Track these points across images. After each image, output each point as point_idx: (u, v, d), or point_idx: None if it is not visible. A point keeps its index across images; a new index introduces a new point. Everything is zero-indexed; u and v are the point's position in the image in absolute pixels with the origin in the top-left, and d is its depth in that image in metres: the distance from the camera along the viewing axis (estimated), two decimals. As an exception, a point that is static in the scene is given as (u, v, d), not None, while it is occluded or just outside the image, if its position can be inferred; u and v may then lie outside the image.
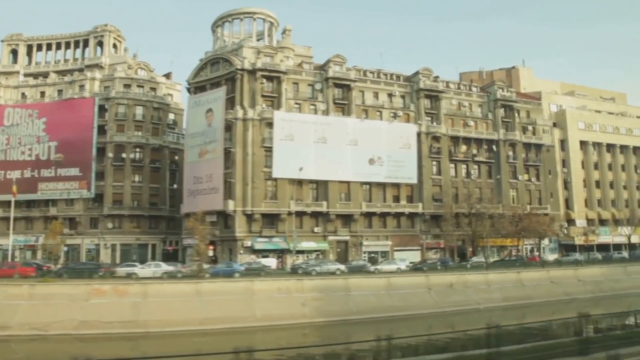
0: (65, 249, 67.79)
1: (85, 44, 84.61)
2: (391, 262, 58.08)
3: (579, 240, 77.53)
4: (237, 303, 41.25)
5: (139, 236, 74.48)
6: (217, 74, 66.59)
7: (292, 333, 39.32)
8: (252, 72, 64.01)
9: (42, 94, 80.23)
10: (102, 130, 75.31)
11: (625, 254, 76.33)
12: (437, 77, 78.18)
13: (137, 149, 76.36)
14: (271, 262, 57.55)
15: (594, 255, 73.42)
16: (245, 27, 69.80)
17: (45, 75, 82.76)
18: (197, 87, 68.67)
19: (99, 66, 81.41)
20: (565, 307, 49.58)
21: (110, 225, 73.33)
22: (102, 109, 75.92)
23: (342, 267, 54.50)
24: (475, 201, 70.33)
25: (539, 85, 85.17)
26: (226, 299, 41.33)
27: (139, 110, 77.35)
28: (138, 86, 78.58)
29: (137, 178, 75.65)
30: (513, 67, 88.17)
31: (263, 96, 64.38)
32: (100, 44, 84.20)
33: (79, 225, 73.27)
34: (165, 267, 48.55)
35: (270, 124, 63.07)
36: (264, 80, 64.67)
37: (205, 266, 48.72)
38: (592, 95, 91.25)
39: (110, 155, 74.41)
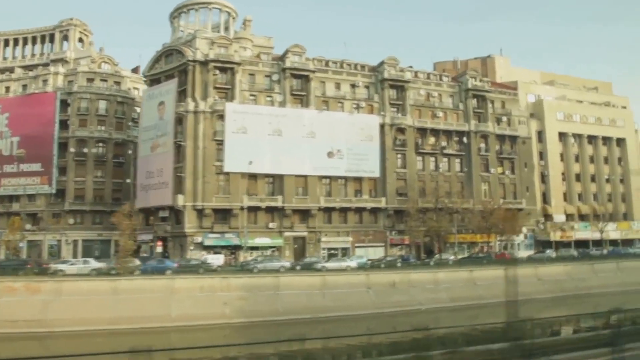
0: (21, 244, 66.85)
1: (52, 38, 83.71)
2: (340, 259, 55.93)
3: (555, 236, 74.21)
4: (154, 302, 39.55)
5: (101, 232, 73.26)
6: (171, 65, 64.93)
7: (209, 334, 37.44)
8: (205, 63, 62.14)
9: (7, 89, 79.34)
10: (64, 125, 74.30)
11: (604, 250, 73.02)
12: (411, 66, 75.80)
13: (100, 144, 75.23)
14: (218, 258, 55.81)
15: (568, 252, 70.21)
16: (203, 17, 67.93)
17: (12, 70, 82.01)
18: (152, 80, 67.19)
19: (64, 61, 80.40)
20: (518, 308, 46.95)
21: (71, 220, 72.33)
22: (65, 104, 74.92)
23: (287, 263, 52.67)
24: (444, 195, 67.75)
25: (517, 74, 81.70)
26: (143, 298, 39.68)
27: (102, 105, 76.13)
28: (101, 80, 77.34)
29: (99, 173, 74.53)
30: (489, 56, 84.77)
31: (216, 88, 62.47)
32: (66, 38, 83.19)
33: (41, 221, 72.33)
34: (95, 263, 47.14)
35: (222, 117, 61.18)
36: (217, 72, 62.74)
37: (137, 263, 47.25)
38: (574, 85, 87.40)
39: (72, 150, 73.38)
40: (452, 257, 63.67)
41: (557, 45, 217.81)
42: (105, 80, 77.45)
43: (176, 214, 60.92)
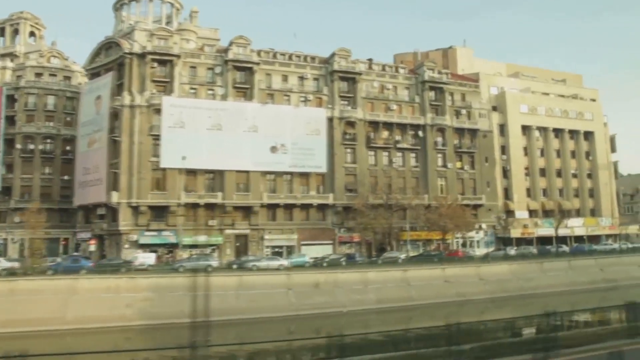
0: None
1: (2, 32, 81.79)
2: (273, 258, 53.73)
3: (515, 233, 71.67)
4: (51, 303, 37.69)
5: (48, 230, 71.39)
6: (110, 58, 62.90)
7: (104, 337, 35.50)
8: (142, 56, 60.06)
9: (-44, 84, 77.67)
10: (11, 121, 72.41)
11: (565, 247, 70.50)
12: (370, 59, 73.51)
13: (48, 140, 73.24)
14: (150, 257, 53.78)
15: (528, 250, 67.73)
16: (144, 9, 65.92)
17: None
18: (93, 74, 65.25)
19: (13, 55, 78.42)
20: (450, 310, 44.76)
21: (17, 219, 70.49)
22: (12, 99, 73.04)
23: (214, 263, 50.63)
24: (397, 191, 65.47)
25: (480, 66, 78.97)
26: (40, 299, 37.86)
27: (51, 100, 74.10)
28: (51, 75, 75.30)
29: (47, 170, 72.51)
30: (450, 48, 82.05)
31: (154, 81, 60.41)
32: (17, 32, 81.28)
33: (-15, 220, 70.69)
34: (6, 263, 45.33)
35: (159, 111, 59.11)
36: (156, 65, 60.66)
37: (51, 262, 45.42)
38: (542, 77, 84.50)
39: (19, 146, 71.42)
40: (402, 256, 61.64)
41: (531, 39, 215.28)
42: (55, 75, 75.46)
43: (113, 211, 59.00)
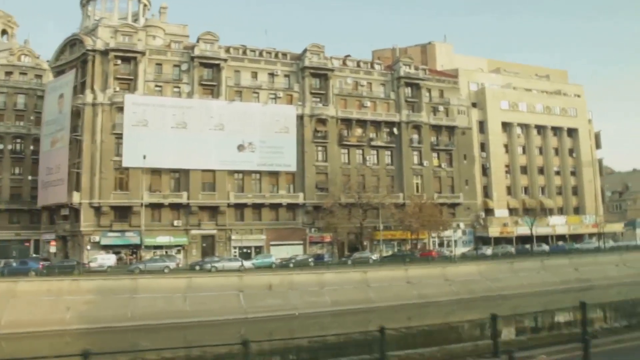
0: None
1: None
2: (234, 259, 52.31)
3: (494, 232, 69.87)
4: (-13, 307, 36.42)
5: (19, 231, 70.36)
6: (74, 56, 61.64)
7: (40, 342, 34.17)
8: (105, 53, 58.76)
9: None
10: (-19, 120, 71.40)
11: (545, 247, 68.66)
12: (349, 55, 72.12)
13: (18, 140, 72.05)
14: (110, 258, 52.49)
15: (506, 249, 66.03)
16: (110, 5, 64.57)
17: None
18: (58, 71, 63.98)
19: (-16, 54, 77.38)
20: (409, 312, 43.16)
21: (-15, 221, 69.46)
22: (-19, 99, 71.99)
23: (171, 264, 49.30)
24: (371, 190, 63.94)
25: (460, 62, 77.10)
26: (-24, 303, 36.59)
27: (21, 99, 72.80)
28: (21, 74, 74.04)
29: (17, 170, 71.36)
30: (429, 43, 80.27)
31: (117, 79, 59.10)
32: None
33: (-45, 221, 69.62)
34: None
35: (122, 109, 57.79)
36: (119, 62, 59.31)
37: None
38: (525, 73, 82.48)
39: (-12, 146, 70.45)
40: (374, 256, 60.17)
41: (516, 36, 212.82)
42: (25, 74, 74.12)
43: (76, 212, 57.73)
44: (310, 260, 56.11)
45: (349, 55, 72.61)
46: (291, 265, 53.97)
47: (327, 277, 46.07)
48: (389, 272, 48.51)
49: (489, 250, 64.94)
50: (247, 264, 50.58)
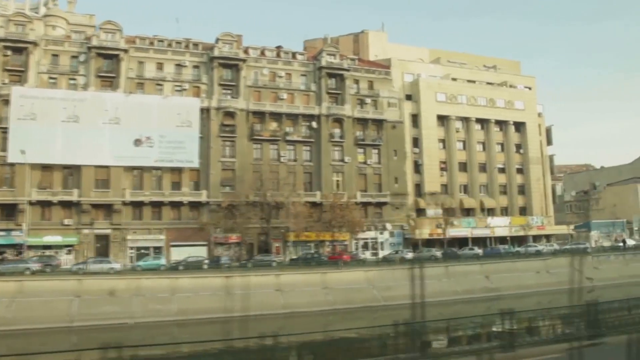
0: None
1: None
2: (104, 260, 49.09)
3: (422, 234, 65.10)
4: None
5: None
6: (-32, 47, 59.27)
7: None
8: (-6, 43, 56.25)
9: None
10: None
11: (478, 250, 63.55)
12: (280, 46, 68.34)
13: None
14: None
15: (430, 253, 61.25)
16: (12, -7, 62.09)
17: None
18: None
19: None
20: (271, 324, 39.16)
21: None
22: None
23: (35, 265, 46.35)
24: (287, 187, 60.09)
25: (397, 52, 72.09)
26: None
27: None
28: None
29: None
30: (362, 32, 75.49)
31: (7, 70, 56.51)
32: None
33: None
34: None
35: (9, 102, 55.17)
36: (10, 52, 56.71)
37: None
38: (473, 63, 76.92)
39: None
40: (278, 259, 56.47)
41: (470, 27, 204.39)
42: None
43: (-37, 210, 55.47)
44: (205, 263, 52.87)
45: (280, 46, 68.90)
46: (180, 267, 50.94)
47: (182, 282, 42.42)
48: (259, 278, 44.47)
49: (409, 254, 60.35)
50: (117, 266, 47.49)
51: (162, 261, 53.42)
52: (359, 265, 50.99)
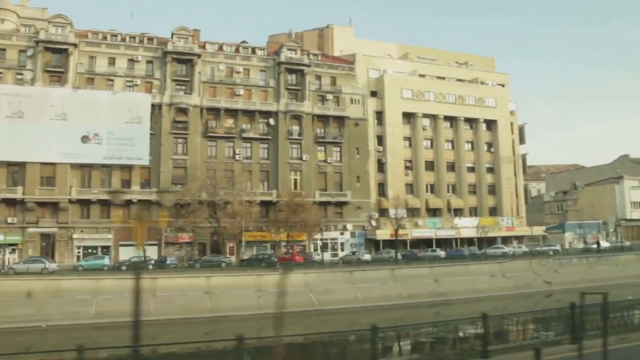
0: None
1: None
2: (38, 260, 47.71)
3: (383, 235, 63.07)
4: None
5: None
6: None
7: None
8: (-64, 37, 55.15)
9: None
10: None
11: (441, 251, 61.48)
12: (245, 41, 66.83)
13: None
14: None
15: (389, 254, 59.37)
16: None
17: None
18: None
19: None
20: (184, 329, 37.69)
21: None
22: None
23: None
24: (239, 186, 58.53)
25: (363, 47, 69.80)
26: None
27: None
28: None
29: None
30: (327, 27, 73.43)
31: (-49, 65, 55.43)
32: None
33: None
34: None
35: (-48, 97, 54.07)
36: (-47, 47, 55.61)
37: None
38: (444, 59, 74.55)
39: None
40: (227, 259, 54.99)
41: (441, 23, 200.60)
42: None
43: None
44: (150, 264, 51.40)
45: (245, 41, 67.24)
46: (124, 268, 49.55)
47: (106, 284, 40.87)
48: (186, 280, 42.96)
49: (366, 255, 58.51)
50: (53, 266, 46.17)
51: (106, 261, 52.14)
52: (298, 268, 48.98)
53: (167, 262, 53.02)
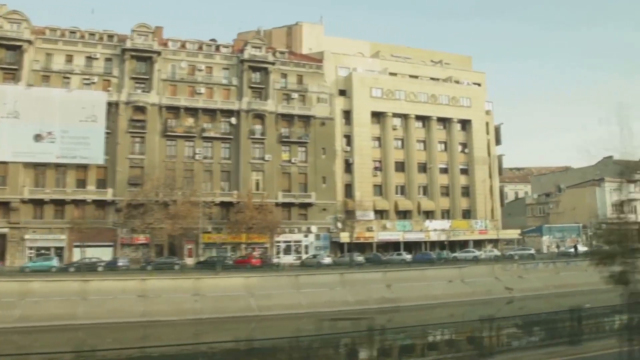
0: None
1: None
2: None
3: (347, 238, 61.08)
4: None
5: None
6: None
7: None
8: None
9: None
10: None
11: (406, 255, 59.51)
12: (214, 39, 65.55)
13: None
14: None
15: (343, 258, 57.56)
16: None
17: None
18: None
19: None
20: (113, 334, 36.12)
21: None
22: None
23: None
24: (199, 186, 57.22)
25: (333, 45, 67.94)
26: None
27: None
28: None
29: None
30: (296, 24, 71.68)
31: None
32: None
33: None
34: None
35: None
36: None
37: None
38: (418, 58, 72.45)
39: None
40: (181, 261, 53.61)
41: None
42: None
43: None
44: (97, 265, 50.11)
45: (214, 39, 65.87)
46: (71, 269, 48.33)
47: (35, 286, 39.34)
48: (121, 283, 41.47)
49: (327, 259, 56.69)
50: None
51: (54, 262, 50.89)
52: (239, 271, 47.30)
53: (119, 264, 51.65)
